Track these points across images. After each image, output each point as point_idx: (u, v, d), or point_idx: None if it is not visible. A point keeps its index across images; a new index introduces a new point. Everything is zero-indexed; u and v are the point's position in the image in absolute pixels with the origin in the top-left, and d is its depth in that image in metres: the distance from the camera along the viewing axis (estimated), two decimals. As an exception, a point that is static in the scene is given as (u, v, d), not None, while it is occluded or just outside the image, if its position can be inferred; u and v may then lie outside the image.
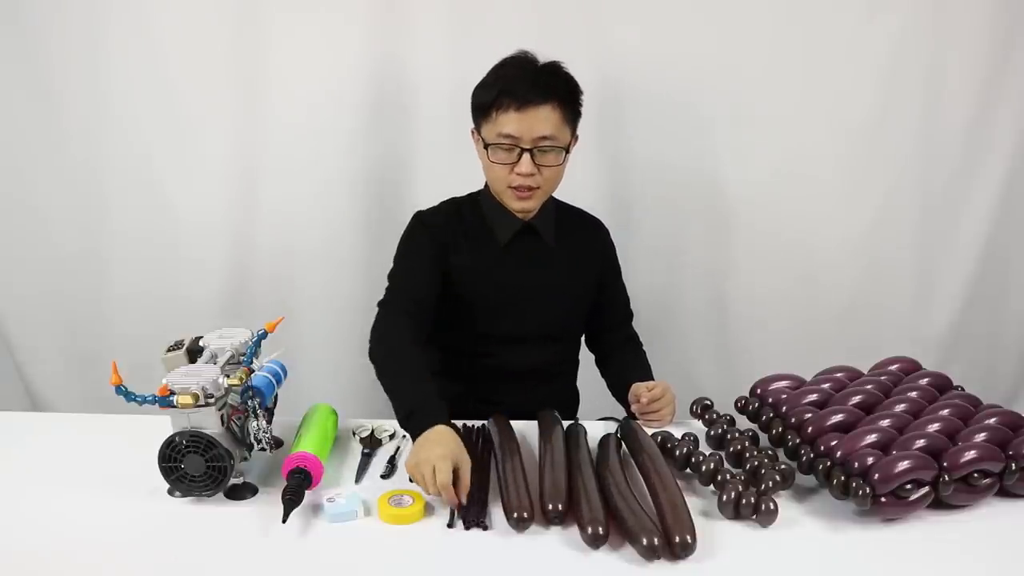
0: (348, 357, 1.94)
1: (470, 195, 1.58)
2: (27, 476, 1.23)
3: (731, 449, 1.28)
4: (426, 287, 1.46)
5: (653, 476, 1.16)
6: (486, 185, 1.55)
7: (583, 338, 1.69)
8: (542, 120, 1.39)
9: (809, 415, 1.25)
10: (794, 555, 1.07)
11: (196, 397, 1.11)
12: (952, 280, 2.06)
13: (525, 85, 1.39)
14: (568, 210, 1.62)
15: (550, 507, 1.10)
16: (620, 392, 1.55)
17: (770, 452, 1.24)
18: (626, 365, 1.61)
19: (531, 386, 1.55)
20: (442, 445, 1.15)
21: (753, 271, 2.02)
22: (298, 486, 1.12)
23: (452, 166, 1.85)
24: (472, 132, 1.51)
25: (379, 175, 1.95)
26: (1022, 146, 1.97)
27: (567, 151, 1.46)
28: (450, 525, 1.11)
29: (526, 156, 1.40)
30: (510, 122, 1.39)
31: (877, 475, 1.10)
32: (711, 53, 1.88)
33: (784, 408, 1.30)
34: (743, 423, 1.36)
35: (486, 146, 1.43)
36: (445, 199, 1.58)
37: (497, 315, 1.53)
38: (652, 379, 1.52)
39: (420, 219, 1.54)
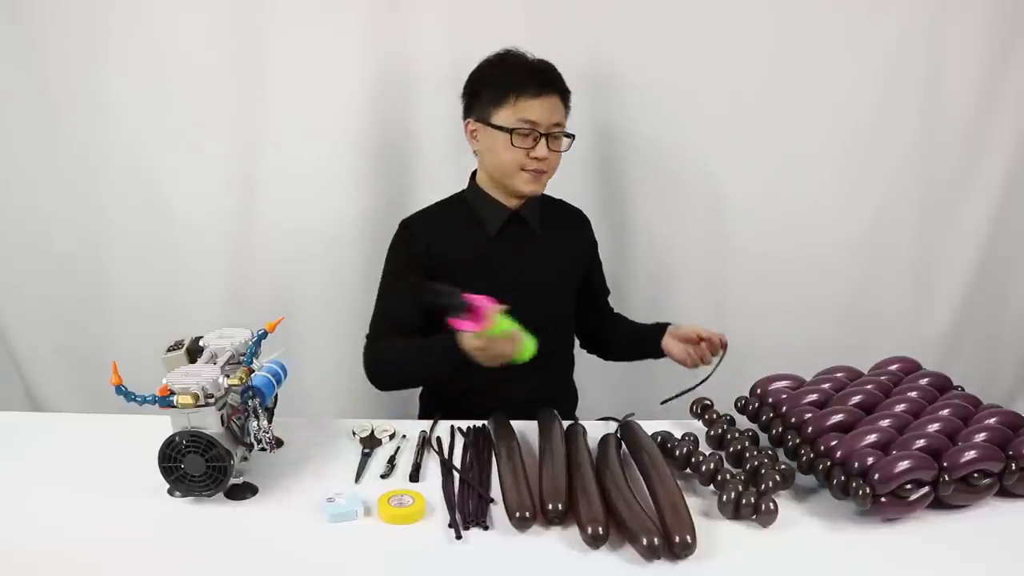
0: (348, 357, 1.93)
1: (454, 195, 1.63)
2: (27, 476, 1.23)
3: (731, 449, 1.28)
4: (409, 311, 1.55)
5: (653, 476, 1.16)
6: (471, 182, 1.60)
7: (576, 331, 1.73)
8: (555, 107, 1.51)
9: (809, 415, 1.25)
10: (794, 555, 1.07)
11: (196, 397, 1.11)
12: (952, 280, 2.05)
13: (537, 76, 1.50)
14: (552, 202, 1.68)
15: (550, 507, 1.10)
16: (638, 341, 1.67)
17: (770, 452, 1.24)
18: (631, 324, 1.73)
19: (525, 376, 1.56)
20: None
21: (752, 271, 2.02)
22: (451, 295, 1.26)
23: (453, 167, 1.85)
24: (468, 123, 1.55)
25: (380, 175, 1.94)
26: (1022, 146, 1.97)
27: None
28: (451, 525, 1.11)
29: (543, 141, 1.49)
30: (531, 108, 1.48)
31: (877, 475, 1.10)
32: (711, 52, 1.87)
33: (784, 408, 1.30)
34: (743, 423, 1.36)
35: (509, 131, 1.48)
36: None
37: None
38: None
39: (404, 226, 1.60)
